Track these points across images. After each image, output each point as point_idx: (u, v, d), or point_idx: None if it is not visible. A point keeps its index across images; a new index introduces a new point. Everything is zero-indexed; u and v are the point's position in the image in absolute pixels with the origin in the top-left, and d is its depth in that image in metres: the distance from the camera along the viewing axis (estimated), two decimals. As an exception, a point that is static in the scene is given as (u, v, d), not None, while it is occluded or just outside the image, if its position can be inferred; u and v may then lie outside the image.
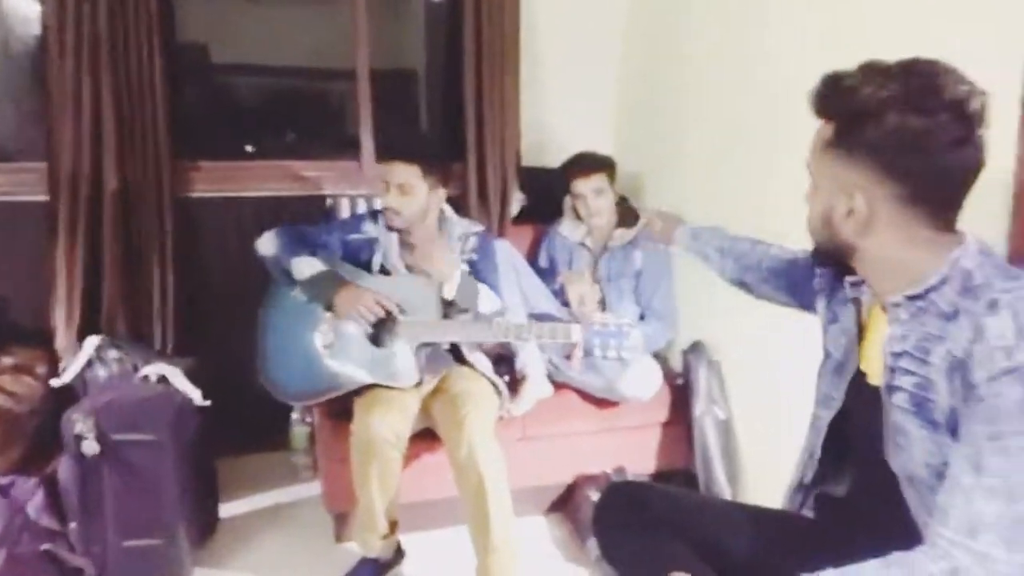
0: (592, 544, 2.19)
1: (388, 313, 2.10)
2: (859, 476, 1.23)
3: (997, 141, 1.36)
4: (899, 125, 0.96)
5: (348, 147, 3.09)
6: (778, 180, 2.12)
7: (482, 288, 2.22)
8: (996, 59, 1.42)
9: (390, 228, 2.23)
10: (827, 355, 1.26)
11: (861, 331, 1.19)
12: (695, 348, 2.55)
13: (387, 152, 2.25)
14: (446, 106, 3.33)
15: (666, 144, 2.81)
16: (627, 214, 2.73)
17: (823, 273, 1.30)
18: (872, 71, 1.00)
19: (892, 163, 0.99)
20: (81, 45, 2.41)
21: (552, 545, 2.36)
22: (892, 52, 1.02)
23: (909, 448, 1.05)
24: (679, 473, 2.55)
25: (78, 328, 2.47)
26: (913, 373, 1.03)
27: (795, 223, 2.06)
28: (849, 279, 1.19)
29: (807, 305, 1.38)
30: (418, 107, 3.96)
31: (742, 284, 1.61)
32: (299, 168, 2.92)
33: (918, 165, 0.97)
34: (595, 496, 2.32)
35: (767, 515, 1.38)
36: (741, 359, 2.43)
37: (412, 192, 2.16)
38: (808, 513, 1.33)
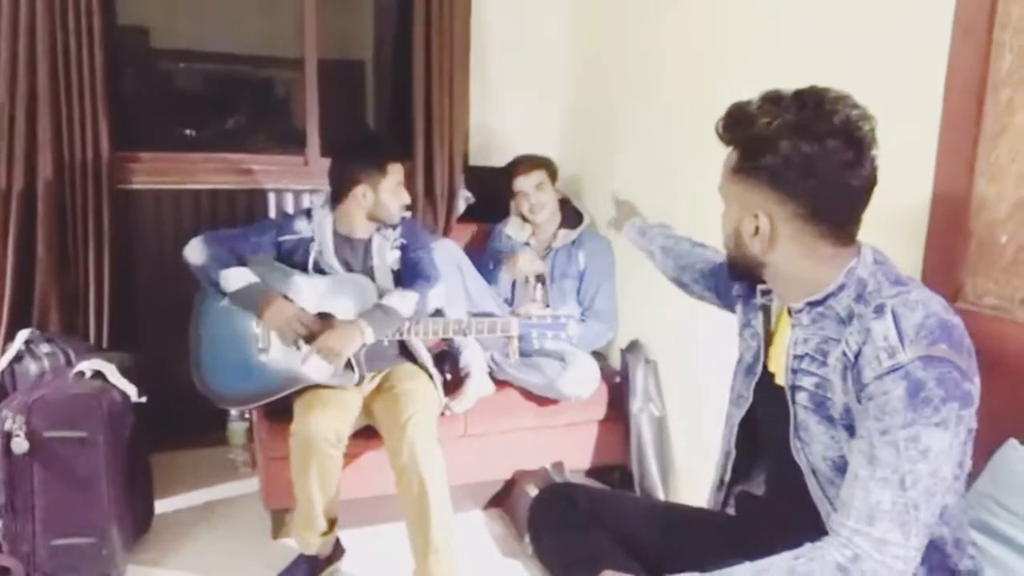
0: (528, 539, 2.25)
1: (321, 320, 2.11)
2: (772, 473, 1.30)
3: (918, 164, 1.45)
4: (792, 151, 1.03)
5: (293, 140, 3.06)
6: (711, 186, 2.18)
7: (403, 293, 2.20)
8: (918, 82, 1.51)
9: (390, 226, 2.27)
10: (740, 357, 1.34)
11: (769, 335, 1.26)
12: (633, 347, 2.62)
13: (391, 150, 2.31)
14: (394, 101, 3.33)
15: (607, 148, 2.88)
16: (570, 215, 2.78)
17: (739, 284, 1.37)
18: (768, 101, 1.07)
19: (789, 186, 1.06)
20: (16, 27, 2.33)
21: (491, 540, 2.40)
22: (821, 72, 1.08)
23: (811, 443, 1.13)
24: (615, 469, 2.62)
25: (9, 321, 2.41)
26: (813, 374, 1.11)
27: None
28: (760, 287, 1.27)
29: (731, 307, 1.45)
30: (365, 101, 3.94)
31: (679, 283, 1.67)
32: (242, 161, 2.88)
33: (812, 187, 1.05)
34: (533, 491, 2.37)
35: (691, 513, 1.45)
36: (675, 358, 2.51)
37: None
38: (730, 511, 1.39)
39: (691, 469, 2.44)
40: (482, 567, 2.24)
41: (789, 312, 1.19)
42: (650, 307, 2.58)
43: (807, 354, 1.13)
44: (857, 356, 1.03)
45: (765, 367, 1.26)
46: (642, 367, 2.55)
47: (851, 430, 1.06)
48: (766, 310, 1.27)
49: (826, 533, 1.04)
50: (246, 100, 4.16)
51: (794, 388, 1.15)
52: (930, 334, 0.98)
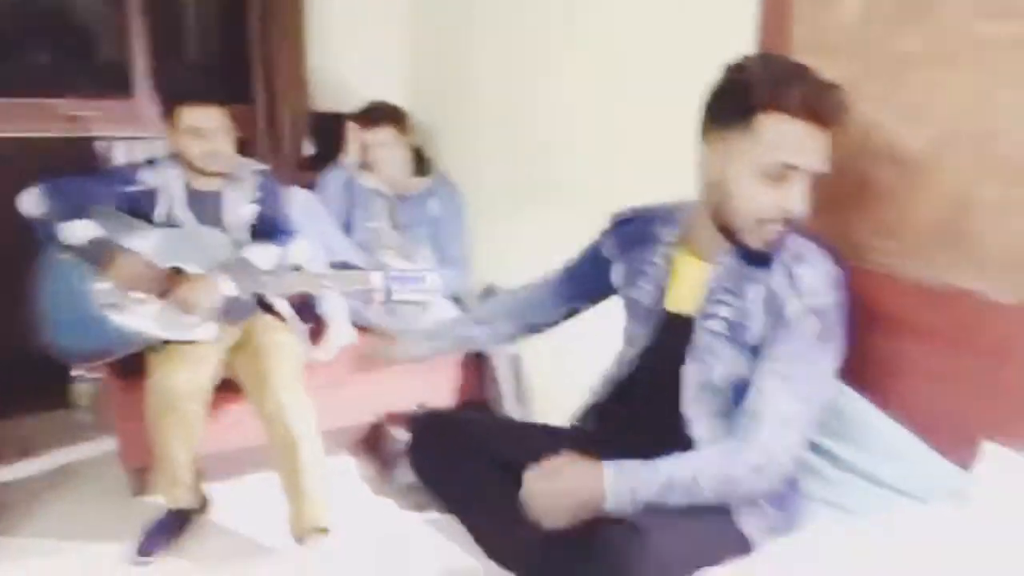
0: (399, 474, 2.37)
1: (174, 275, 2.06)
2: (647, 394, 1.46)
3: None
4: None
5: (116, 80, 2.83)
6: (576, 131, 2.32)
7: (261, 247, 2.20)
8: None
9: (210, 174, 2.17)
10: (634, 304, 1.47)
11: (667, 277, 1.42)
12: (488, 292, 2.77)
13: (190, 94, 2.15)
14: (227, 39, 3.16)
15: (462, 89, 2.91)
16: (422, 164, 2.84)
17: (611, 243, 1.53)
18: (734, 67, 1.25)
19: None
20: None
21: (360, 481, 2.50)
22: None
23: (714, 364, 1.32)
24: (475, 406, 2.78)
25: None
26: (730, 305, 1.31)
27: (588, 174, 2.30)
28: (664, 232, 1.44)
29: (603, 291, 1.57)
30: (195, 37, 3.69)
31: (533, 329, 1.69)
32: (63, 107, 2.66)
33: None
34: (399, 433, 2.49)
35: (561, 431, 1.60)
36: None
37: (226, 135, 2.14)
38: (591, 426, 1.56)
39: (547, 402, 2.65)
40: (355, 508, 2.34)
41: (694, 253, 1.39)
42: (504, 251, 2.73)
43: (725, 288, 1.32)
44: (781, 294, 1.26)
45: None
46: (497, 308, 2.70)
47: (756, 351, 1.28)
48: (667, 258, 1.42)
49: (680, 444, 1.25)
50: (60, 33, 3.76)
51: (707, 316, 1.34)
52: (836, 281, 1.25)
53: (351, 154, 2.80)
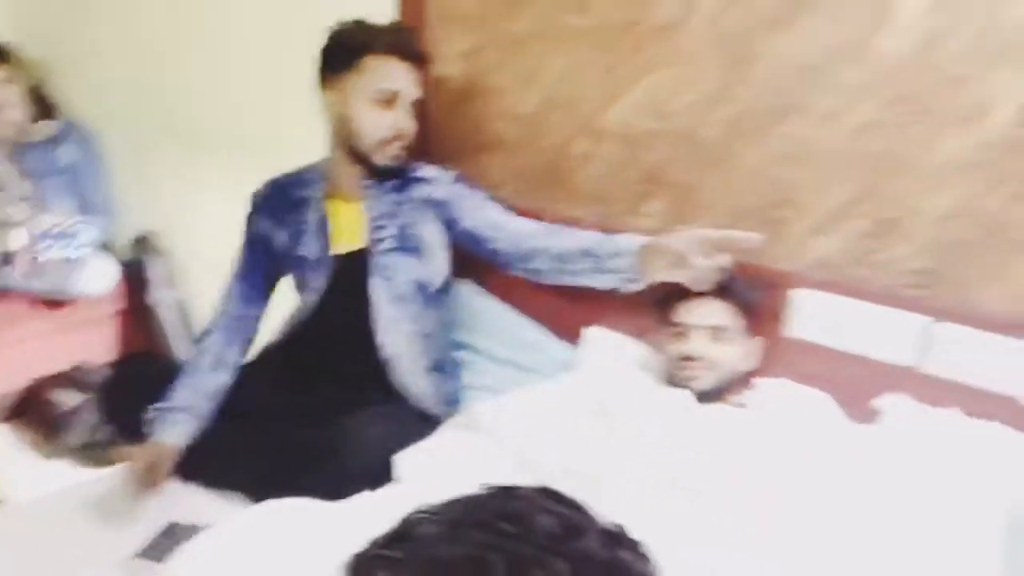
0: (69, 436, 2.27)
1: None
2: (335, 332, 1.65)
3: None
4: None
5: None
6: (215, 70, 2.34)
7: None
8: None
9: None
10: (302, 261, 1.65)
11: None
12: (143, 239, 2.68)
13: None
14: None
15: (78, 27, 2.68)
16: (45, 107, 2.59)
17: (262, 221, 1.69)
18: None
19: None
20: None
21: (24, 447, 2.33)
22: None
23: (395, 276, 1.60)
24: (141, 355, 2.72)
25: None
26: (392, 224, 1.60)
27: (229, 114, 2.34)
28: (310, 191, 1.64)
29: (281, 270, 1.71)
30: None
31: (255, 332, 1.74)
32: None
33: None
34: (62, 395, 2.36)
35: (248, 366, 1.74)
36: (193, 247, 2.67)
37: None
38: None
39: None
40: (26, 473, 2.18)
41: (342, 197, 1.62)
42: (158, 198, 2.66)
43: (383, 212, 1.60)
44: (428, 193, 1.62)
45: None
46: (154, 257, 2.65)
47: (426, 254, 1.62)
48: (321, 211, 1.63)
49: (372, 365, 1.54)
50: None
51: (377, 240, 1.59)
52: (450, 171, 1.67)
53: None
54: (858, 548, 1.17)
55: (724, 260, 1.21)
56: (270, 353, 1.76)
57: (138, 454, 1.52)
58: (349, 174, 1.63)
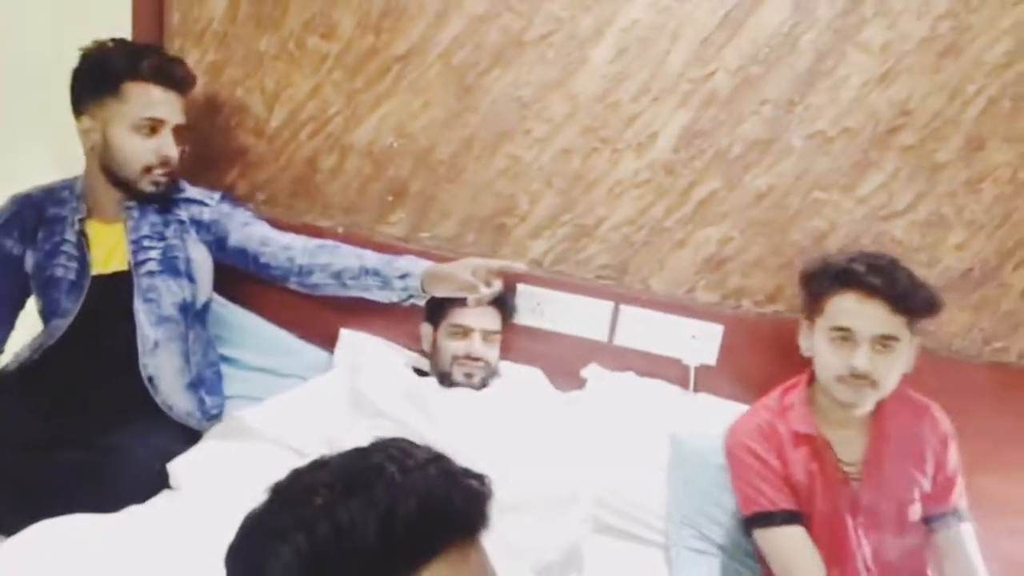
0: None
1: None
2: (88, 353, 1.58)
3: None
4: None
5: None
6: None
7: None
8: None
9: None
10: (56, 282, 1.58)
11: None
12: None
13: None
14: None
15: None
16: None
17: (10, 239, 1.59)
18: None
19: None
20: None
21: None
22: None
23: (160, 298, 1.58)
24: None
25: None
26: (155, 247, 1.59)
27: None
28: (67, 210, 1.59)
29: (28, 291, 1.62)
30: None
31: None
32: None
33: None
34: None
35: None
36: None
37: None
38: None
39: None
40: None
41: (99, 219, 1.58)
42: None
43: (145, 235, 1.58)
44: (195, 216, 1.66)
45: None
46: None
47: (191, 277, 1.63)
48: (79, 232, 1.56)
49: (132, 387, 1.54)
50: None
51: (139, 263, 1.56)
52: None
53: None
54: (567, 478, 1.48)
55: (498, 284, 1.51)
56: (12, 379, 1.62)
57: None
58: (106, 194, 1.59)
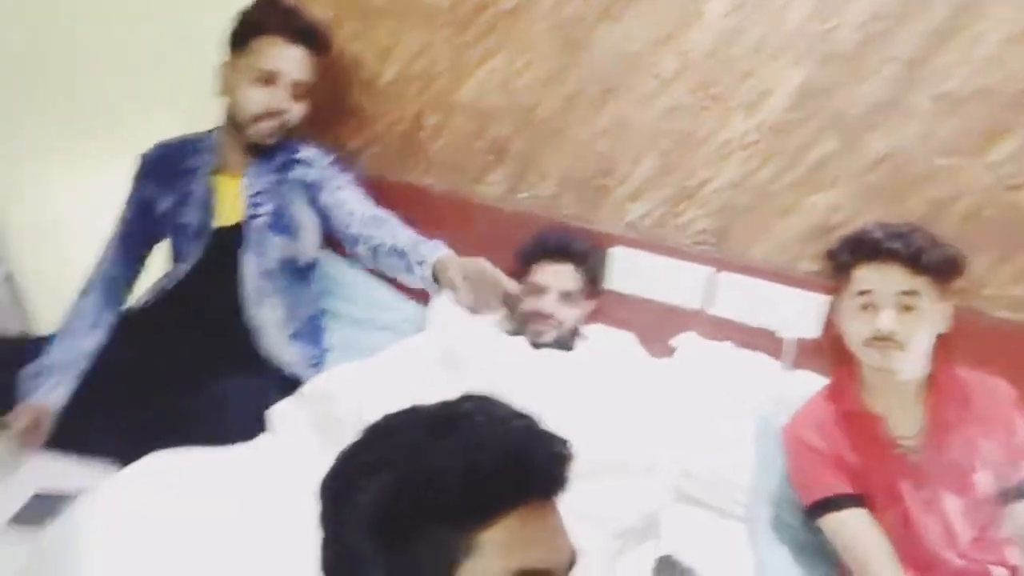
0: None
1: None
2: (203, 299, 1.68)
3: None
4: None
5: None
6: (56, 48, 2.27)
7: None
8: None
9: None
10: (183, 229, 1.68)
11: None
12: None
13: None
14: None
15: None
16: None
17: (148, 184, 1.70)
18: None
19: None
20: None
21: None
22: None
23: (266, 253, 1.65)
24: None
25: None
26: (267, 203, 1.65)
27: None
28: (200, 161, 1.68)
29: (160, 235, 1.73)
30: None
31: (127, 295, 1.75)
32: None
33: None
34: None
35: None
36: (20, 213, 2.55)
37: None
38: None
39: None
40: None
41: (228, 173, 1.66)
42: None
43: (260, 191, 1.65)
44: (302, 177, 1.68)
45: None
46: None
47: (297, 234, 1.68)
48: (207, 184, 1.66)
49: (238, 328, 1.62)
50: None
51: (253, 216, 1.64)
52: (329, 151, 1.73)
53: None
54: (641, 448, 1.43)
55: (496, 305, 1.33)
56: (135, 318, 1.74)
57: (19, 416, 1.50)
58: (234, 149, 1.67)
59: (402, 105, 1.94)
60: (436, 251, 1.45)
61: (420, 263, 1.45)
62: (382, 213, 1.65)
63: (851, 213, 1.58)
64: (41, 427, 1.51)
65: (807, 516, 1.36)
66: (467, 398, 0.69)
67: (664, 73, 1.67)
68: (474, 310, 1.33)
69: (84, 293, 1.69)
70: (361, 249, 1.61)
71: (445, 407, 0.67)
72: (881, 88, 1.51)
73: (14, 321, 2.52)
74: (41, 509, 1.35)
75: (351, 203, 1.67)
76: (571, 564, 0.65)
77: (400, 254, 1.50)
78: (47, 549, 1.12)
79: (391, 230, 1.57)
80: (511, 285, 1.29)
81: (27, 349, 1.63)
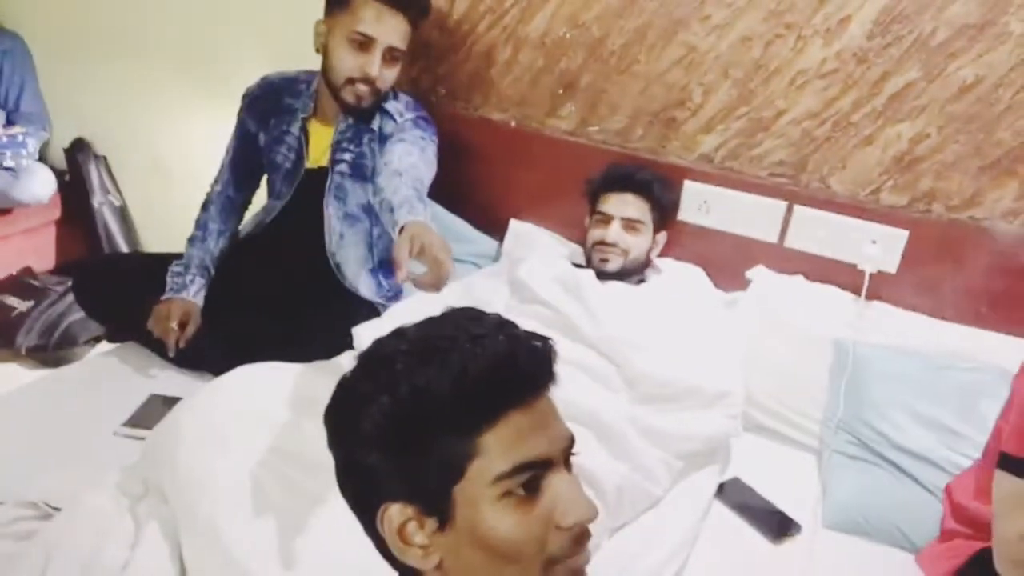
0: (21, 339, 2.39)
1: None
2: (293, 234, 1.79)
3: None
4: None
5: None
6: None
7: None
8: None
9: None
10: (277, 167, 1.78)
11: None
12: (79, 146, 2.73)
13: None
14: None
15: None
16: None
17: (251, 119, 1.79)
18: None
19: None
20: None
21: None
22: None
23: (345, 197, 1.74)
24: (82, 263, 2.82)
25: None
26: (351, 151, 1.71)
27: (163, 24, 2.36)
28: (298, 104, 1.75)
29: (260, 163, 1.82)
30: None
31: (244, 211, 1.90)
32: None
33: None
34: (11, 300, 2.46)
35: None
36: (130, 152, 2.74)
37: None
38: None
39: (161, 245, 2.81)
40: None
41: (320, 120, 1.73)
42: (93, 105, 2.69)
43: (346, 140, 1.71)
44: (385, 129, 1.70)
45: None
46: (93, 163, 2.71)
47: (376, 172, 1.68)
48: (302, 128, 1.74)
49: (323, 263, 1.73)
50: None
51: (336, 162, 1.72)
52: (415, 104, 1.75)
53: None
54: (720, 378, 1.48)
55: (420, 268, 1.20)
56: (240, 245, 1.88)
57: (171, 311, 1.65)
58: (330, 101, 1.72)
59: (473, 41, 1.95)
60: (408, 217, 1.32)
61: (394, 226, 1.36)
62: (407, 167, 1.57)
63: (938, 142, 1.53)
64: (191, 321, 1.66)
65: (1012, 466, 1.09)
66: (448, 316, 0.73)
67: (736, 1, 1.61)
68: (417, 285, 1.20)
69: (204, 207, 1.84)
70: (375, 200, 1.65)
71: (428, 328, 0.72)
72: (970, 9, 1.42)
73: (128, 243, 2.79)
74: (153, 411, 1.51)
75: (394, 155, 1.64)
76: (569, 447, 0.71)
77: (390, 211, 1.43)
78: (152, 446, 1.26)
79: (395, 186, 1.49)
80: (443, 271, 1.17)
81: (140, 263, 1.85)
